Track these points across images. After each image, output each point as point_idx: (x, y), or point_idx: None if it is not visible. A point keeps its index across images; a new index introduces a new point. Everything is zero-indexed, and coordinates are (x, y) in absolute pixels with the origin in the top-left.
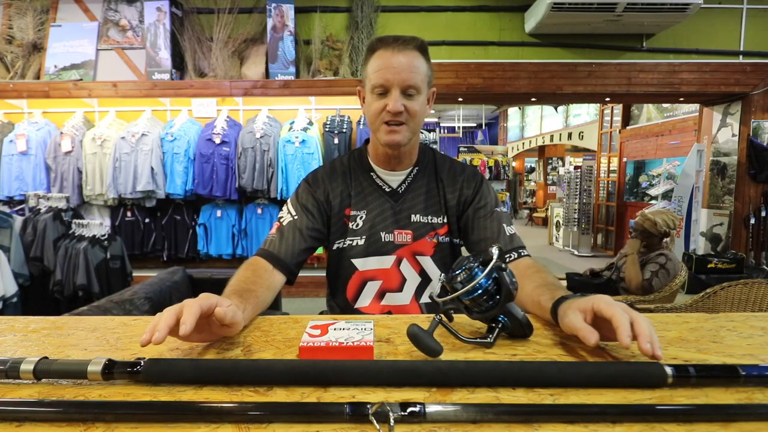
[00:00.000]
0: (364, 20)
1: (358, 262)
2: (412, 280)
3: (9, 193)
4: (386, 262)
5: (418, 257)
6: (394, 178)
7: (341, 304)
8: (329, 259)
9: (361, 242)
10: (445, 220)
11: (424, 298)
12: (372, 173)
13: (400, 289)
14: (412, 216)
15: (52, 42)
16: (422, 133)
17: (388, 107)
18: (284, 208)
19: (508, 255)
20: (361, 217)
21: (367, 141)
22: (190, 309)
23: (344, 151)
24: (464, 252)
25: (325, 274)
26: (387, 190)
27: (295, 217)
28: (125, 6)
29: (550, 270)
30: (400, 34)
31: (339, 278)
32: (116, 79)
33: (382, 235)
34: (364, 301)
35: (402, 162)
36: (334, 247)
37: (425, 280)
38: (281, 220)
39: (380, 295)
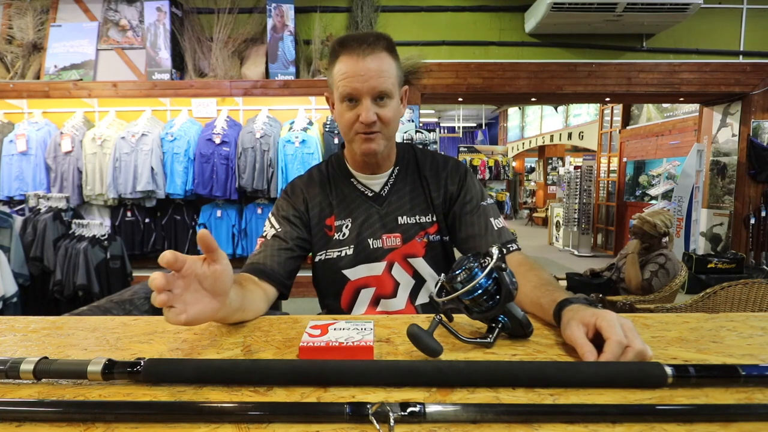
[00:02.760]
0: (364, 20)
1: (348, 272)
2: (406, 283)
3: (9, 193)
4: (377, 268)
5: (409, 260)
6: (375, 182)
7: (335, 314)
8: (314, 270)
9: (349, 252)
10: (434, 219)
11: (419, 300)
12: (352, 179)
13: (394, 295)
14: (399, 218)
15: (52, 42)
16: (422, 133)
17: (361, 118)
18: (266, 223)
19: None
20: (347, 226)
21: (343, 145)
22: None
23: None
24: (455, 250)
25: None
26: (369, 194)
27: (279, 229)
28: (125, 6)
29: (550, 270)
30: (399, 33)
31: (330, 289)
32: (116, 79)
33: (370, 242)
34: (359, 309)
35: (381, 166)
36: (317, 259)
37: (419, 282)
38: (265, 235)
39: (375, 301)
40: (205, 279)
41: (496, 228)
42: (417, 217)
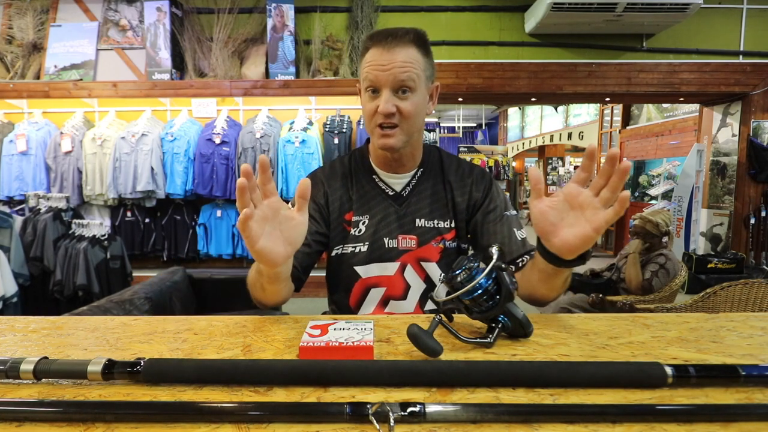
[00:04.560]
0: (364, 20)
1: (360, 270)
2: (417, 287)
3: (9, 193)
4: (389, 268)
5: (423, 263)
6: (397, 181)
7: (343, 310)
8: (329, 264)
9: (364, 249)
10: (453, 225)
11: (429, 306)
12: (374, 176)
13: (404, 297)
14: (417, 221)
15: (52, 42)
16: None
17: (379, 109)
18: None
19: (520, 259)
20: (363, 223)
21: (368, 140)
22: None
23: (344, 152)
24: None
25: (324, 275)
26: (390, 193)
27: None
28: (125, 6)
29: None
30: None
31: (340, 285)
32: (116, 79)
33: (386, 241)
34: (368, 308)
35: (404, 165)
36: (333, 253)
37: (430, 286)
38: None
39: (384, 302)
40: (285, 221)
41: (519, 238)
42: (435, 222)
